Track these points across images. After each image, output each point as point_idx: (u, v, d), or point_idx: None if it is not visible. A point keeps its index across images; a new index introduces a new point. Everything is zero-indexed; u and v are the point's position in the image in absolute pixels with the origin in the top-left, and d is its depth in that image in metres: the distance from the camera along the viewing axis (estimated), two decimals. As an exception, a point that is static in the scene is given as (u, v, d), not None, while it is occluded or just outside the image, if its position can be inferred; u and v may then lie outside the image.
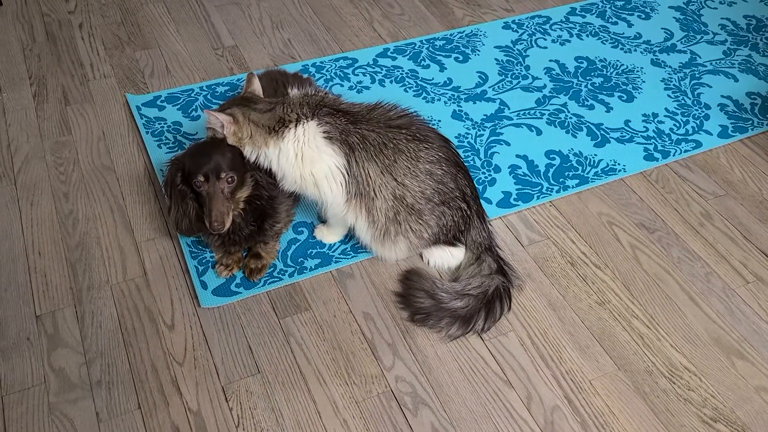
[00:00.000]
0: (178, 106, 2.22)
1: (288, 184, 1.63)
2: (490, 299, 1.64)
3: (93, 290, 1.70)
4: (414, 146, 1.60)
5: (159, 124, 2.15)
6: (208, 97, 2.25)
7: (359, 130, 1.59)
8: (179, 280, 1.73)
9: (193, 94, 2.26)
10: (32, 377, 1.52)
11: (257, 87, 1.70)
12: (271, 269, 1.75)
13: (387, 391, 1.54)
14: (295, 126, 1.57)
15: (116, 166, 2.01)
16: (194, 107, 2.21)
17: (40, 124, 2.14)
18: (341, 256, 1.80)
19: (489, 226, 1.76)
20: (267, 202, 1.69)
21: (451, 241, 1.71)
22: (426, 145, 1.62)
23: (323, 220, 1.86)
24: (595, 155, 2.11)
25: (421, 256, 1.79)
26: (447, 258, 1.73)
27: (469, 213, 1.69)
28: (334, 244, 1.83)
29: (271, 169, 1.63)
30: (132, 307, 1.67)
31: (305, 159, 1.57)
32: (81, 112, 2.19)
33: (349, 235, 1.82)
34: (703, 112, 2.28)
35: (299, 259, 1.79)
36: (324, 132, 1.57)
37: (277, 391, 1.53)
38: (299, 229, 1.86)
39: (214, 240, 1.72)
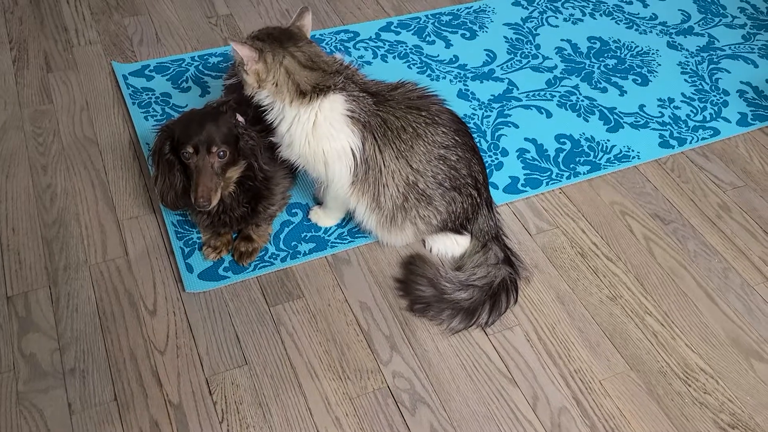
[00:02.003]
0: (168, 76, 2.09)
1: (292, 153, 1.50)
2: (495, 291, 1.53)
3: (70, 270, 1.58)
4: (432, 130, 1.49)
5: (146, 94, 2.02)
6: (200, 67, 2.12)
7: (380, 113, 1.47)
8: (163, 262, 1.62)
9: (183, 65, 2.13)
10: (0, 364, 1.41)
11: (308, 24, 1.50)
12: (263, 253, 1.64)
13: (383, 387, 1.43)
14: (324, 95, 1.43)
15: (99, 138, 1.89)
16: (185, 78, 2.08)
17: (19, 91, 2.01)
18: (337, 240, 1.69)
19: (497, 215, 1.65)
20: (262, 183, 1.57)
21: (458, 228, 1.60)
22: (444, 129, 1.50)
23: (319, 202, 1.74)
24: (608, 140, 2.00)
25: (424, 243, 1.68)
26: (452, 246, 1.62)
27: (479, 200, 1.58)
28: (330, 227, 1.71)
29: (273, 128, 1.49)
30: (111, 289, 1.55)
31: (322, 134, 1.45)
32: (63, 80, 2.05)
33: (347, 219, 1.71)
34: (721, 98, 2.17)
35: (292, 243, 1.67)
36: (349, 110, 1.44)
37: (265, 385, 1.42)
38: (293, 211, 1.75)
39: (202, 220, 1.61)
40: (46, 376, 1.40)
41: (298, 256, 1.65)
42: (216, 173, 1.46)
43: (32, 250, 1.61)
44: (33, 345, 1.44)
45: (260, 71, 1.43)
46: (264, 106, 1.48)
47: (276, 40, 1.44)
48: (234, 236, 1.66)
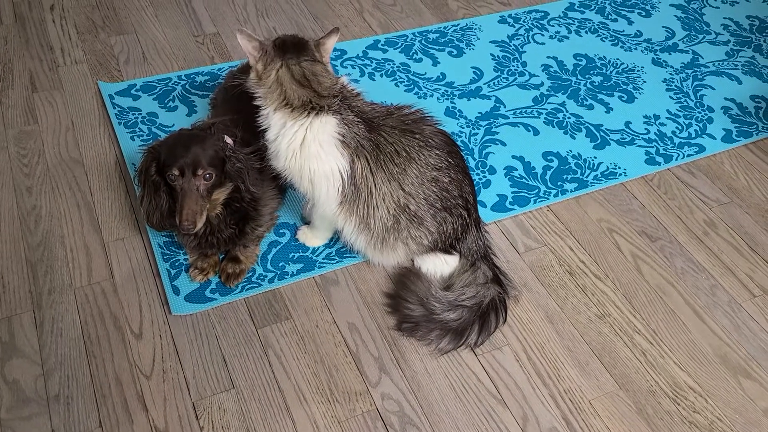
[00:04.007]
0: (154, 95, 2.08)
1: (278, 164, 1.50)
2: (484, 311, 1.53)
3: (54, 294, 1.56)
4: (426, 153, 1.49)
5: (133, 114, 2.01)
6: (187, 86, 2.11)
7: (373, 138, 1.47)
8: (149, 284, 1.60)
9: (170, 84, 2.12)
10: (-17, 390, 1.39)
11: (329, 44, 1.50)
12: (250, 274, 1.63)
13: (372, 409, 1.42)
14: (316, 115, 1.43)
15: (85, 159, 1.88)
16: (171, 97, 2.07)
17: (4, 111, 1.99)
18: (325, 261, 1.68)
19: (485, 234, 1.65)
20: (249, 204, 1.56)
21: (447, 248, 1.59)
22: (437, 152, 1.51)
23: (307, 222, 1.74)
24: (595, 158, 2.01)
25: (413, 263, 1.67)
26: (440, 265, 1.62)
27: (468, 221, 1.58)
28: (318, 248, 1.71)
29: (264, 136, 1.49)
30: (96, 313, 1.54)
31: (311, 153, 1.44)
32: (49, 100, 2.04)
33: (335, 239, 1.70)
34: (706, 114, 2.19)
35: (280, 264, 1.67)
36: (339, 134, 1.44)
37: (252, 409, 1.40)
38: (281, 231, 1.74)
39: (189, 241, 1.59)
40: (29, 403, 1.38)
41: (286, 276, 1.64)
42: (202, 196, 1.45)
43: (16, 274, 1.59)
44: (16, 371, 1.42)
45: (259, 70, 1.45)
46: (258, 106, 1.48)
47: (283, 48, 1.46)
48: (221, 257, 1.64)
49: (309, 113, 1.43)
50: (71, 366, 1.44)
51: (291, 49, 1.46)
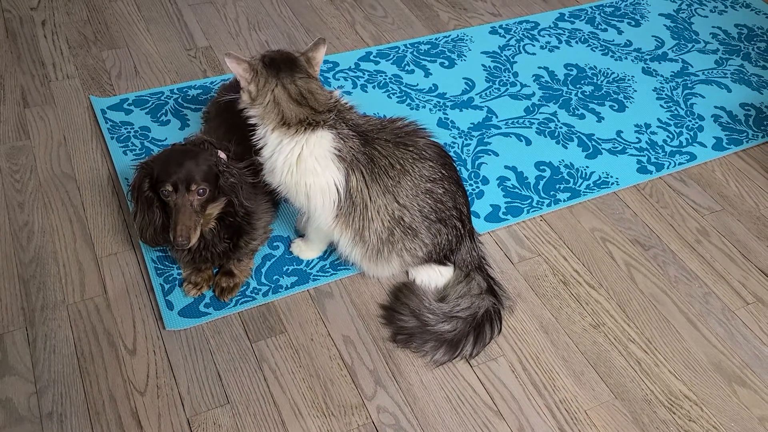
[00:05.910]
0: (147, 109, 2.08)
1: (273, 179, 1.50)
2: (479, 322, 1.53)
3: (47, 310, 1.55)
4: (419, 165, 1.50)
5: (125, 129, 2.01)
6: (179, 100, 2.11)
7: (368, 152, 1.47)
8: (143, 299, 1.59)
9: (163, 98, 2.12)
10: (-25, 409, 1.38)
11: (319, 57, 1.50)
12: (244, 288, 1.63)
13: (368, 423, 1.42)
14: (312, 131, 1.44)
15: (77, 174, 1.87)
16: (164, 111, 2.07)
17: (-4, 127, 1.99)
18: (320, 273, 1.68)
19: (479, 245, 1.65)
20: (243, 219, 1.56)
21: (442, 259, 1.60)
22: (431, 164, 1.51)
23: (301, 235, 1.73)
24: (587, 167, 2.02)
25: (408, 274, 1.67)
26: (435, 276, 1.62)
27: (462, 232, 1.58)
28: (313, 260, 1.70)
29: (258, 149, 1.49)
30: (90, 329, 1.53)
31: (306, 168, 1.44)
32: (41, 115, 2.04)
33: (329, 252, 1.70)
34: (696, 123, 2.20)
35: (274, 277, 1.66)
36: (336, 148, 1.45)
37: (247, 424, 1.40)
38: (275, 244, 1.74)
39: (183, 256, 1.59)
40: (22, 421, 1.37)
41: (280, 290, 1.63)
42: (195, 211, 1.45)
43: (8, 290, 1.59)
44: (9, 389, 1.41)
45: (252, 92, 1.45)
46: (252, 125, 1.48)
47: (275, 67, 1.45)
48: (215, 271, 1.64)
49: (305, 129, 1.43)
50: (64, 383, 1.43)
51: (282, 67, 1.45)
